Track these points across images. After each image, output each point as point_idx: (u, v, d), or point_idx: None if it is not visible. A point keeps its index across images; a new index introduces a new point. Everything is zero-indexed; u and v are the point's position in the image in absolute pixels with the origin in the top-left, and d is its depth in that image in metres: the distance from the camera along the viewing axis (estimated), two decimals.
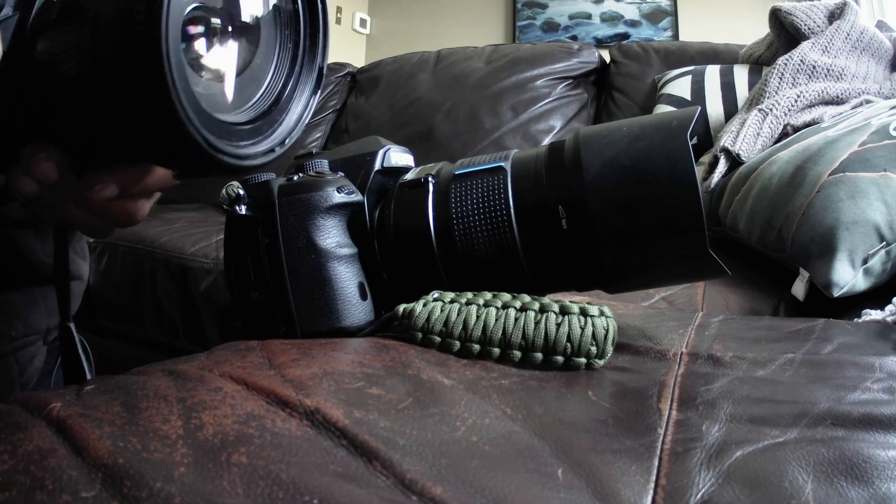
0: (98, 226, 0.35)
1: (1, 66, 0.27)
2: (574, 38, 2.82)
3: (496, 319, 0.34)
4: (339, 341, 0.36)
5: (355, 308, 0.39)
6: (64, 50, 0.25)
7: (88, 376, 0.46)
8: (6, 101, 0.29)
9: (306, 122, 0.31)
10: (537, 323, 0.33)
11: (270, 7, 0.30)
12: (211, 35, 0.28)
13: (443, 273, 0.39)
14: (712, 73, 1.25)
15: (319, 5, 0.31)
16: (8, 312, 0.56)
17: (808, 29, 1.09)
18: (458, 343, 0.34)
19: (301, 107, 0.31)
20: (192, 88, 0.24)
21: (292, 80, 0.31)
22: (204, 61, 0.28)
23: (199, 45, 0.28)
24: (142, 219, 0.36)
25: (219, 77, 0.28)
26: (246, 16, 0.29)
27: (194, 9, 0.27)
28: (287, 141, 0.30)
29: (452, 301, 0.35)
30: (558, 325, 0.33)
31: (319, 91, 0.32)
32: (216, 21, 0.28)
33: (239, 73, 0.30)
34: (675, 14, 2.71)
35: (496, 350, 0.34)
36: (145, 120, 0.24)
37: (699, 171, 1.00)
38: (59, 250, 0.43)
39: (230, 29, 0.29)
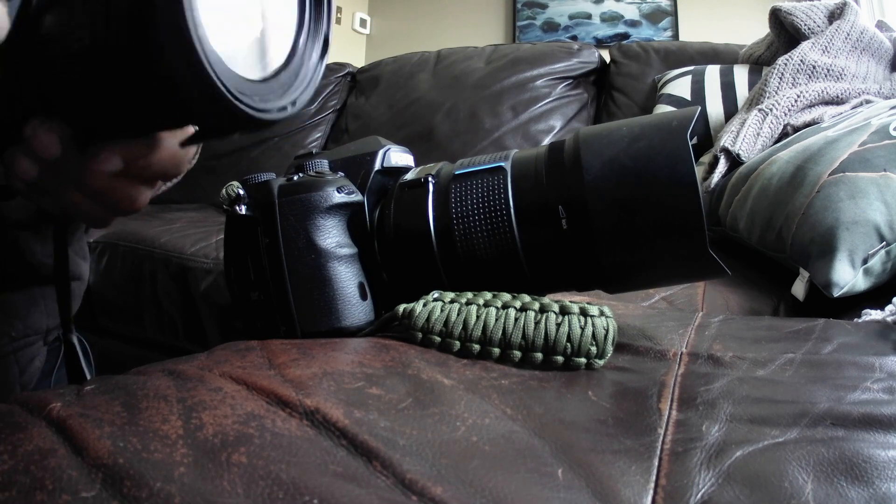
0: (97, 212, 0.35)
1: (5, 47, 0.27)
2: (574, 38, 2.82)
3: (496, 319, 0.34)
4: (339, 341, 0.36)
5: (355, 308, 0.39)
6: (75, 18, 0.25)
7: (88, 376, 0.46)
8: (10, 81, 0.29)
9: (316, 83, 0.32)
10: (537, 323, 0.33)
11: None
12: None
13: (443, 273, 0.39)
14: (712, 73, 1.25)
15: None
16: (8, 313, 0.56)
17: (808, 29, 1.09)
18: (458, 343, 0.34)
19: (310, 70, 0.31)
20: (210, 42, 0.24)
21: (300, 45, 0.31)
22: (216, 19, 0.28)
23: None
24: (142, 206, 0.35)
25: (232, 35, 0.29)
26: None
27: None
28: (298, 101, 0.30)
29: (452, 301, 0.35)
30: (558, 325, 0.33)
31: (326, 58, 0.32)
32: None
33: (253, 31, 0.30)
34: (675, 14, 2.71)
35: (496, 350, 0.34)
36: (164, 75, 0.24)
37: (699, 171, 1.00)
38: (60, 256, 0.43)
39: None
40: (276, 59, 0.30)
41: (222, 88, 0.25)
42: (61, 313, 0.44)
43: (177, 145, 0.32)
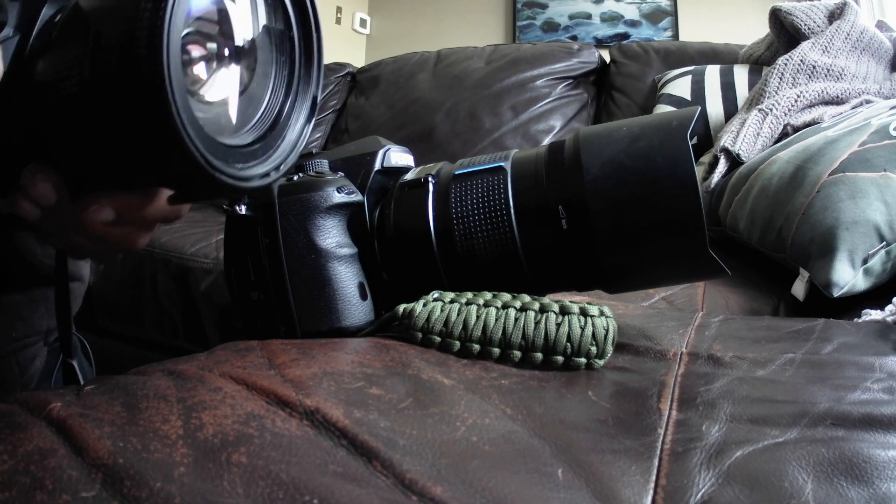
0: (99, 251, 0.35)
1: (1, 88, 0.27)
2: (574, 38, 2.82)
3: (496, 319, 0.34)
4: (339, 341, 0.36)
5: (355, 308, 0.39)
6: (65, 67, 0.25)
7: (81, 379, 0.46)
8: (6, 123, 0.28)
9: (301, 147, 0.31)
10: (537, 323, 0.33)
11: (262, 30, 0.30)
12: (208, 59, 0.28)
13: (443, 273, 0.39)
14: (712, 73, 1.25)
15: (314, 33, 0.31)
16: (9, 313, 0.56)
17: (808, 29, 1.09)
18: (458, 343, 0.34)
19: (296, 134, 0.31)
20: (192, 109, 0.24)
21: (287, 107, 0.31)
22: (200, 85, 0.28)
23: (197, 68, 0.28)
24: (143, 245, 0.36)
25: (216, 100, 0.29)
26: (239, 39, 0.29)
27: (189, 34, 0.27)
28: (282, 166, 0.30)
29: (452, 301, 0.35)
30: (558, 325, 0.33)
31: (314, 120, 0.32)
32: (212, 45, 0.28)
33: (237, 96, 0.30)
34: (675, 14, 2.71)
35: (496, 350, 0.33)
36: (145, 138, 0.24)
37: (699, 171, 1.00)
38: (60, 265, 0.42)
39: (226, 52, 0.29)
40: (263, 122, 0.30)
41: (200, 160, 0.24)
42: (59, 319, 0.44)
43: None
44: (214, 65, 0.29)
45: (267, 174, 0.29)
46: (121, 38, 0.23)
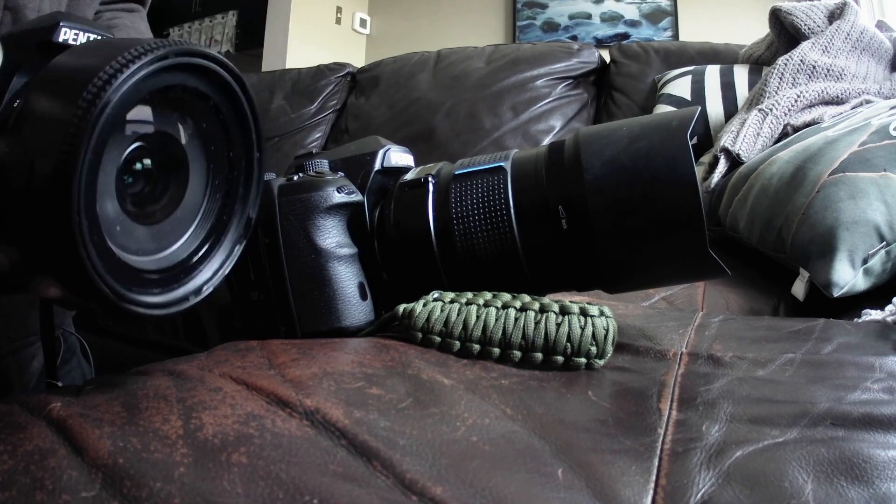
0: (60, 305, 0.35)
1: None
2: (574, 38, 2.82)
3: (496, 319, 0.34)
4: (339, 341, 0.36)
5: (355, 308, 0.39)
6: (14, 161, 0.25)
7: (88, 377, 0.46)
8: None
9: (227, 271, 0.30)
10: (537, 323, 0.33)
11: (199, 152, 0.29)
12: (145, 176, 0.28)
13: (443, 273, 0.39)
14: (712, 73, 1.25)
15: (256, 156, 0.30)
16: (7, 314, 0.56)
17: (808, 29, 1.09)
18: (458, 343, 0.34)
19: (223, 256, 0.30)
20: (106, 242, 0.24)
21: (217, 230, 0.30)
22: (133, 202, 0.27)
23: (133, 184, 0.27)
24: None
25: (144, 220, 0.28)
26: (174, 162, 0.28)
27: (135, 148, 0.26)
28: (204, 290, 0.29)
29: (452, 301, 0.35)
30: (558, 325, 0.33)
31: (246, 240, 0.31)
32: (148, 161, 0.28)
33: (164, 218, 0.29)
34: (675, 14, 2.71)
35: (496, 350, 0.33)
36: (57, 263, 0.24)
37: (699, 171, 1.00)
38: (46, 322, 0.42)
39: (160, 170, 0.28)
40: (189, 245, 0.29)
41: (111, 297, 0.24)
42: (48, 374, 0.43)
43: None
44: (151, 183, 0.28)
45: (186, 298, 0.28)
46: (46, 165, 0.22)
